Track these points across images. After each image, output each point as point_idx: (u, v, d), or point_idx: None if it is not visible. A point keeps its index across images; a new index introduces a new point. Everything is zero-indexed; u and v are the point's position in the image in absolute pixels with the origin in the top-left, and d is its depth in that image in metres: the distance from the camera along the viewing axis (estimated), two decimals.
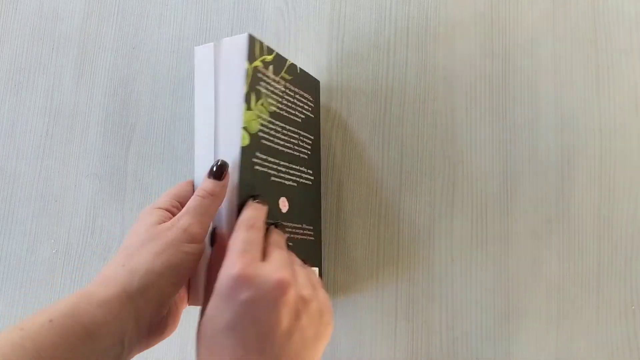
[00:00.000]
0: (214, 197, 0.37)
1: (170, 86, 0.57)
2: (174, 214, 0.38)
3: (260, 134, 0.41)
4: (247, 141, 0.40)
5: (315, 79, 0.51)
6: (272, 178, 0.42)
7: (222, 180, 0.37)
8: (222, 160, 0.38)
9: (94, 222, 0.55)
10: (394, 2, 0.55)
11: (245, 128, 0.40)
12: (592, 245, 0.48)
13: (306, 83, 0.48)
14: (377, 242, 0.51)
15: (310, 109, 0.48)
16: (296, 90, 0.46)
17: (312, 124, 0.49)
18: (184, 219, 0.36)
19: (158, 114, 0.57)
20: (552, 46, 0.52)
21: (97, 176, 0.56)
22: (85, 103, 0.58)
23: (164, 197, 0.39)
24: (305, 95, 0.47)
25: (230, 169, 0.38)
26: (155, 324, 0.35)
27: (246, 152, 0.39)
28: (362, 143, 0.53)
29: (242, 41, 0.40)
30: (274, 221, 0.41)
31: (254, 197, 0.38)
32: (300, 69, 0.47)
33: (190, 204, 0.37)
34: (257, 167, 0.41)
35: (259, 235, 0.35)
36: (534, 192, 0.50)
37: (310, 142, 0.48)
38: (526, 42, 0.52)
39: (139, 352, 0.35)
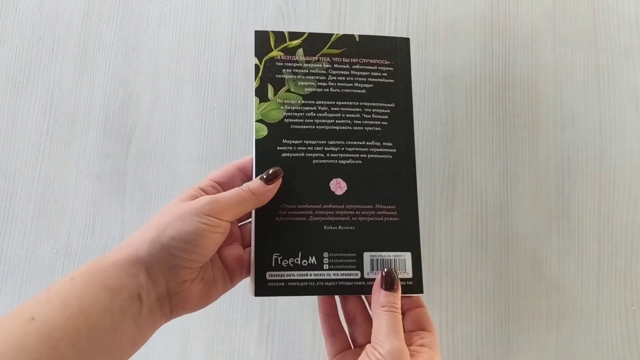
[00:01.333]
0: (254, 196, 0.38)
1: (170, 86, 0.57)
2: (208, 194, 0.39)
3: (288, 120, 0.42)
4: (264, 132, 0.42)
5: (400, 38, 0.45)
6: (315, 161, 0.42)
7: (269, 185, 0.39)
8: (278, 169, 0.40)
9: (94, 222, 0.55)
10: (394, 2, 0.55)
11: (260, 120, 0.42)
12: (592, 245, 0.48)
13: (376, 48, 0.45)
14: None
15: (386, 74, 0.44)
16: (354, 61, 0.44)
17: (390, 90, 0.44)
18: (213, 196, 0.37)
19: (158, 114, 0.57)
20: (552, 46, 0.52)
21: (97, 176, 0.56)
22: (85, 103, 0.58)
23: (204, 178, 0.41)
24: (373, 61, 0.44)
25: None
26: (176, 286, 0.35)
27: (264, 143, 0.41)
28: None
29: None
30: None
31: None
32: (361, 36, 0.45)
33: (230, 191, 0.38)
34: (285, 155, 0.41)
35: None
36: (534, 192, 0.50)
37: (388, 110, 0.43)
38: (526, 42, 0.52)
39: (164, 319, 0.36)
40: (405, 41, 0.45)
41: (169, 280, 0.35)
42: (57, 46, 0.59)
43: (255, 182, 0.39)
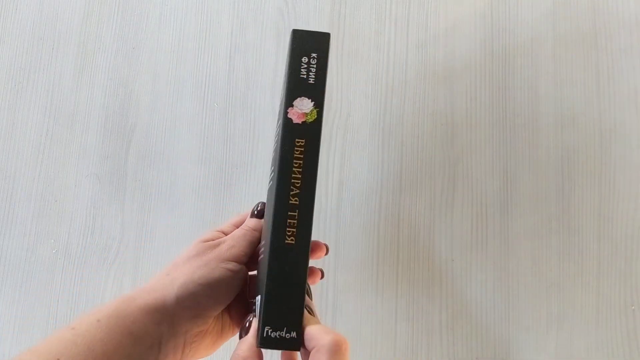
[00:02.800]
0: (255, 232, 0.41)
1: (170, 86, 0.57)
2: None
3: None
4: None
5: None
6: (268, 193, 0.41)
7: (262, 219, 0.42)
8: (263, 203, 0.43)
9: (94, 222, 0.55)
10: (394, 2, 0.55)
11: None
12: (592, 245, 0.48)
13: None
14: (377, 242, 0.51)
15: None
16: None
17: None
18: (229, 241, 0.40)
19: (158, 114, 0.57)
20: (552, 46, 0.52)
21: (97, 176, 0.56)
22: (85, 103, 0.57)
23: (227, 222, 0.44)
24: None
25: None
26: (192, 336, 0.37)
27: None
28: (362, 143, 0.53)
29: None
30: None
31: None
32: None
33: (236, 232, 0.41)
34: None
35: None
36: (534, 192, 0.50)
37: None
38: (526, 42, 0.52)
39: None
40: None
41: (189, 329, 0.36)
42: (57, 46, 0.59)
43: (251, 221, 0.42)
